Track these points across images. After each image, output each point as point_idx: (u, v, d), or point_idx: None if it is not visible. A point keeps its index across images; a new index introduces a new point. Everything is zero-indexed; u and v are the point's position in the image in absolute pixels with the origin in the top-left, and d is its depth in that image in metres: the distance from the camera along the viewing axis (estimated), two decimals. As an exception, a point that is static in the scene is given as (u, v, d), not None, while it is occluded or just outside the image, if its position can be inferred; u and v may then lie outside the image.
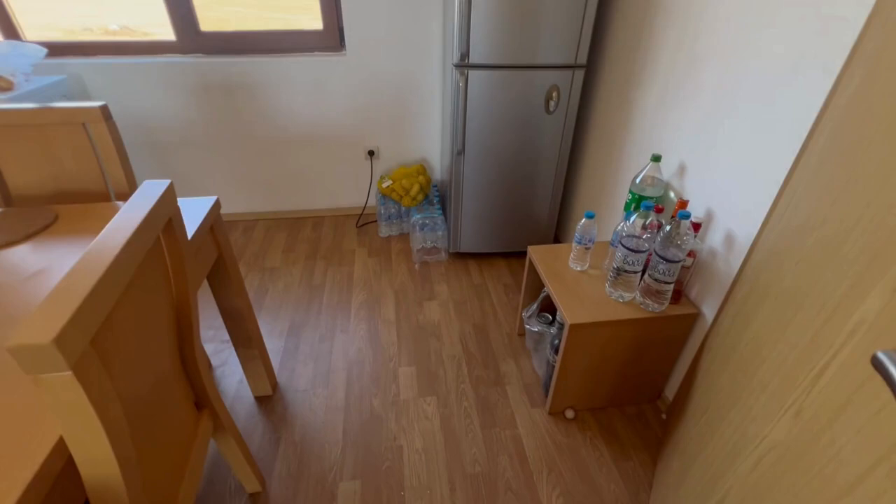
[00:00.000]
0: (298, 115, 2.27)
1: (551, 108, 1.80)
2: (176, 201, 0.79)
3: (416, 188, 2.24)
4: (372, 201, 2.57)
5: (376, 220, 2.45)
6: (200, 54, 2.12)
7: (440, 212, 2.22)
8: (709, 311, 1.26)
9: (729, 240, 1.18)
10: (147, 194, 0.72)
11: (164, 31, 2.09)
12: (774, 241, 0.83)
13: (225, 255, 1.20)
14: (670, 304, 1.29)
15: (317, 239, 2.37)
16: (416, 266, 2.16)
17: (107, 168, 1.24)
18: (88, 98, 2.09)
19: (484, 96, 1.77)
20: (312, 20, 2.16)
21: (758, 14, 1.04)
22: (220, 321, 1.83)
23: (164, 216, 0.74)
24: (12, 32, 1.99)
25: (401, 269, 2.15)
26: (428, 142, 2.43)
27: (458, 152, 1.88)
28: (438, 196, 2.36)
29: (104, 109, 1.18)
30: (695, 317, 1.29)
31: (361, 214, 2.57)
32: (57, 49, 2.01)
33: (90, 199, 1.27)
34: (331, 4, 2.09)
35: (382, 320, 1.84)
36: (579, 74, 1.74)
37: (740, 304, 0.93)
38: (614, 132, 1.72)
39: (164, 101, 2.14)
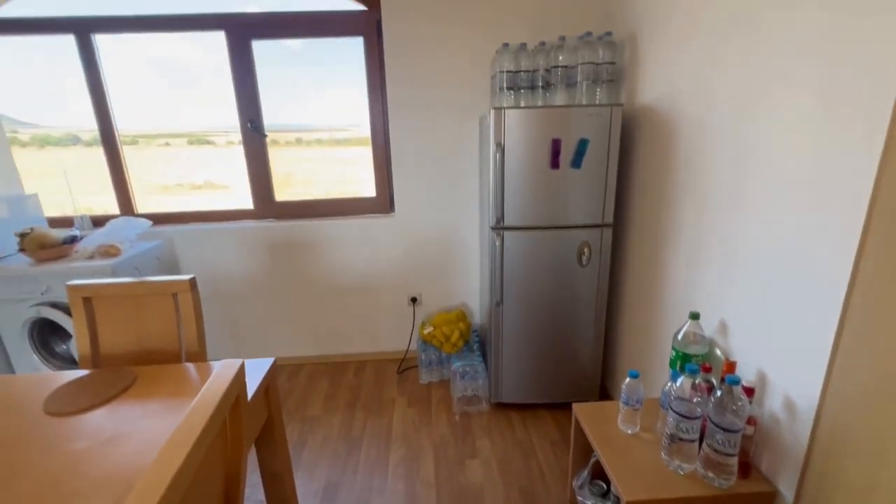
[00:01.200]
0: (349, 267, 2.50)
1: (584, 262, 1.91)
2: (244, 379, 0.87)
3: (456, 334, 2.29)
4: (413, 346, 2.62)
5: (417, 366, 2.47)
6: (272, 219, 2.48)
7: (481, 359, 2.23)
8: (786, 490, 1.13)
9: (789, 405, 1.11)
10: (222, 378, 0.81)
11: (239, 185, 2.49)
12: (837, 415, 0.79)
13: (275, 417, 1.24)
14: (738, 478, 1.17)
15: (358, 385, 2.39)
16: (457, 417, 2.10)
17: (183, 330, 1.39)
18: (177, 257, 2.42)
19: (519, 253, 1.91)
20: (367, 189, 2.54)
21: (784, 170, 1.15)
22: (256, 477, 1.79)
23: (234, 395, 0.81)
24: (128, 208, 2.44)
25: (441, 420, 2.09)
26: (467, 288, 2.57)
27: (498, 303, 1.97)
28: (479, 342, 2.40)
29: (192, 281, 1.38)
30: (771, 496, 1.15)
31: (403, 360, 2.61)
32: (158, 219, 2.42)
33: (164, 358, 1.39)
34: (384, 177, 2.47)
35: (421, 481, 1.74)
36: (607, 233, 1.89)
37: (816, 487, 0.84)
38: (650, 287, 1.78)
39: (236, 257, 2.45)
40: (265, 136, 2.38)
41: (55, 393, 1.14)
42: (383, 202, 2.51)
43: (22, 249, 1.99)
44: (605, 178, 1.82)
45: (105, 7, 2.21)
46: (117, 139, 2.35)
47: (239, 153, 2.42)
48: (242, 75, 2.28)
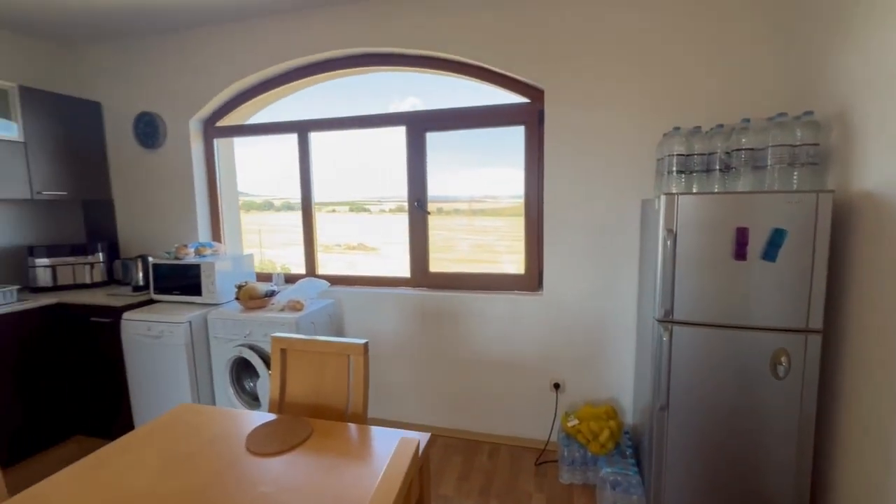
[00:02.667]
0: (491, 342, 2.50)
1: (781, 374, 1.58)
2: (418, 457, 0.89)
3: (605, 434, 2.06)
4: (554, 437, 2.43)
5: (557, 461, 2.26)
6: (426, 288, 2.65)
7: (635, 469, 1.94)
8: None
9: None
10: (403, 455, 0.84)
11: (385, 248, 2.78)
12: None
13: (425, 497, 1.23)
14: None
15: (492, 470, 2.27)
16: (604, 534, 1.82)
17: (352, 390, 1.51)
18: (342, 315, 2.73)
19: (692, 352, 1.68)
20: (515, 266, 2.57)
21: None
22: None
23: (412, 475, 0.83)
24: (312, 268, 2.88)
25: (585, 533, 1.83)
26: (619, 381, 2.33)
27: (662, 408, 1.72)
28: (632, 447, 2.10)
29: (365, 346, 1.52)
30: None
31: (543, 451, 2.42)
32: (332, 280, 2.78)
33: (332, 414, 1.52)
34: (534, 253, 2.48)
35: None
36: (814, 340, 1.55)
37: None
38: (888, 418, 1.37)
39: (390, 321, 2.65)
40: (428, 213, 2.63)
41: (255, 432, 1.32)
42: (532, 279, 2.50)
43: (237, 298, 2.46)
44: (809, 275, 1.53)
45: (318, 114, 2.80)
46: (313, 209, 2.85)
47: (389, 221, 2.79)
48: (415, 161, 2.61)
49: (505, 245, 2.73)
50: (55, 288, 2.76)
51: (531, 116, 2.41)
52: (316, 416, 1.51)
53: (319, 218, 2.91)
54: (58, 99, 2.78)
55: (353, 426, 1.38)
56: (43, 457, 2.48)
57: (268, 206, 3.33)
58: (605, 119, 2.21)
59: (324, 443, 1.28)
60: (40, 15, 2.58)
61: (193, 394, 2.37)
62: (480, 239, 2.76)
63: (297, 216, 2.90)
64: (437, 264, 2.68)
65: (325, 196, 2.93)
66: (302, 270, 2.91)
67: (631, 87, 2.16)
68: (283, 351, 1.59)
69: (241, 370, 2.45)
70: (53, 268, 2.76)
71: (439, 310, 2.57)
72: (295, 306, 2.39)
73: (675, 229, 1.66)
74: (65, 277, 2.80)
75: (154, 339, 2.35)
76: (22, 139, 2.60)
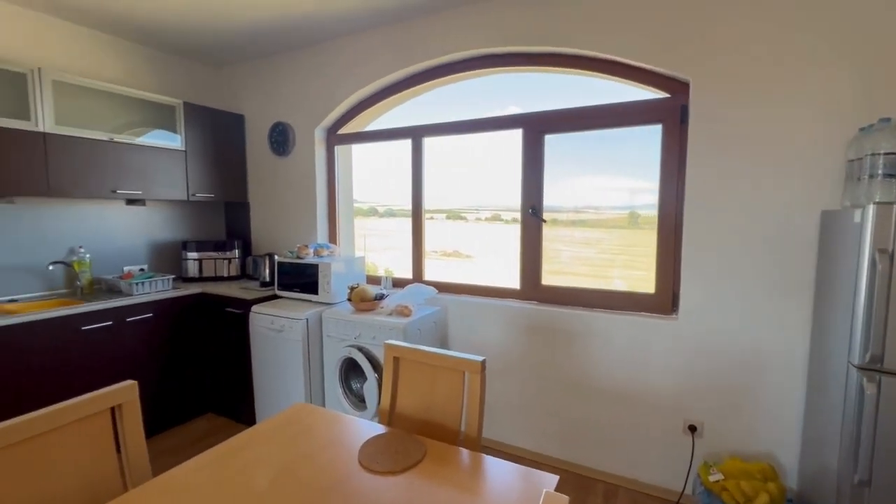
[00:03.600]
0: (613, 368, 2.21)
1: None
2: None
3: (763, 499, 1.66)
4: (689, 489, 2.06)
5: (692, 519, 1.90)
6: (536, 302, 2.46)
7: (809, 552, 1.53)
8: None
9: None
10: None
11: (480, 257, 2.66)
12: None
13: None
14: None
15: (609, 516, 1.99)
16: None
17: (466, 411, 1.39)
18: (447, 323, 2.65)
19: (912, 414, 1.26)
20: (643, 283, 2.25)
21: None
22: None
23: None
24: (419, 276, 2.85)
25: None
26: (777, 434, 1.89)
27: (862, 483, 1.32)
28: (799, 520, 1.68)
29: (483, 364, 1.39)
30: None
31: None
32: (438, 287, 2.72)
33: (443, 434, 1.41)
34: (668, 271, 2.15)
35: None
36: None
37: None
38: None
39: (497, 333, 2.50)
40: (543, 221, 2.44)
41: (367, 445, 1.26)
42: (664, 301, 2.17)
43: (349, 299, 2.51)
44: None
45: (432, 119, 2.78)
46: (423, 215, 2.83)
47: (484, 229, 2.75)
48: (531, 166, 2.44)
49: (610, 259, 2.46)
50: (200, 279, 3.11)
51: (671, 113, 2.10)
52: (426, 434, 1.41)
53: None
54: (211, 113, 3.14)
55: (467, 453, 1.25)
56: (179, 430, 2.78)
57: (372, 211, 3.42)
58: (771, 112, 1.82)
59: (437, 469, 1.17)
60: (200, 42, 2.94)
61: (306, 388, 2.46)
62: (579, 252, 2.52)
63: (396, 222, 2.96)
64: (545, 277, 2.48)
65: (426, 203, 2.92)
66: (401, 275, 2.92)
67: (814, 71, 1.75)
68: (396, 360, 1.53)
69: (349, 370, 2.49)
70: (200, 261, 3.12)
71: (552, 326, 2.35)
72: (403, 311, 2.37)
73: (892, 249, 1.26)
74: (208, 270, 3.14)
75: (276, 332, 2.50)
76: (183, 148, 2.98)
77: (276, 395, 2.57)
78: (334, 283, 2.60)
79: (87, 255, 2.71)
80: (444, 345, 2.65)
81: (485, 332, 2.55)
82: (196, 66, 3.37)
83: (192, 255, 3.12)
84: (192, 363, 2.86)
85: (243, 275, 3.28)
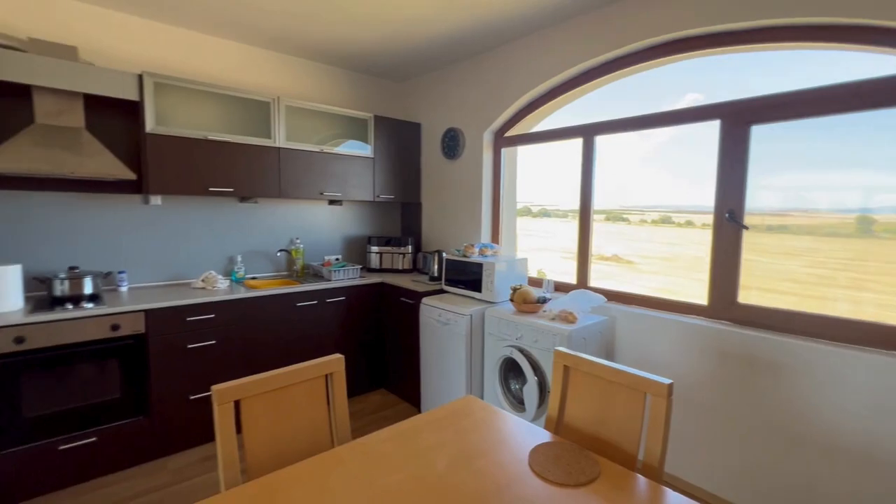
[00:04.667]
0: (836, 418, 1.75)
1: None
2: None
3: None
4: None
5: None
6: (729, 323, 2.10)
7: None
8: None
9: None
10: None
11: (644, 264, 2.36)
12: None
13: None
14: None
15: None
16: None
17: (646, 435, 1.26)
18: (614, 336, 2.47)
19: None
20: (885, 310, 1.72)
21: None
22: None
23: None
24: (584, 281, 2.72)
25: None
26: None
27: None
28: None
29: (670, 387, 1.24)
30: None
31: None
32: (606, 295, 2.55)
33: (619, 455, 1.31)
34: (942, 303, 1.59)
35: None
36: None
37: None
38: None
39: (675, 354, 2.22)
40: (745, 227, 2.06)
41: (538, 450, 1.25)
42: (931, 339, 1.62)
43: (511, 299, 2.54)
44: None
45: (605, 115, 2.60)
46: (591, 217, 2.68)
47: (650, 233, 2.46)
48: (731, 163, 2.09)
49: (827, 275, 1.93)
50: (380, 270, 3.53)
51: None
52: (597, 451, 1.33)
53: (573, 226, 2.75)
54: (394, 123, 3.54)
55: (645, 482, 1.14)
56: (359, 399, 3.20)
57: (526, 211, 3.38)
58: None
59: (613, 492, 1.08)
60: (387, 61, 3.32)
61: (467, 382, 2.58)
62: (780, 264, 2.03)
63: (551, 223, 2.86)
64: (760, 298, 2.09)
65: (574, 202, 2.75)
66: (554, 278, 2.82)
67: None
68: (567, 368, 1.47)
69: (508, 370, 2.52)
70: (381, 254, 3.55)
71: (750, 355, 1.98)
72: (567, 317, 2.29)
73: None
74: (386, 262, 3.55)
75: (442, 324, 2.68)
76: (372, 155, 3.42)
77: (440, 383, 2.76)
78: (497, 282, 2.65)
79: (301, 245, 3.33)
80: (609, 358, 2.47)
81: (660, 350, 2.29)
82: (383, 82, 3.83)
83: (375, 248, 3.56)
84: (372, 343, 3.27)
85: (415, 269, 3.61)
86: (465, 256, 2.88)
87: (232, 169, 2.76)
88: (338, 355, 1.40)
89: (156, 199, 2.75)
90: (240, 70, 3.07)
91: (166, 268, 2.85)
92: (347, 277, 3.17)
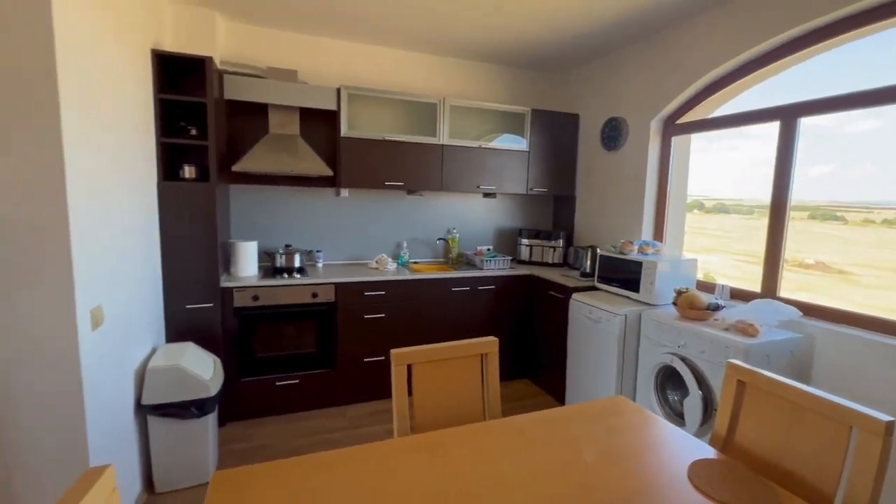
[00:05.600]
0: None
1: None
2: None
3: None
4: None
5: None
6: None
7: None
8: None
9: None
10: None
11: (868, 275, 1.83)
12: None
13: None
14: None
15: None
16: None
17: (849, 481, 1.05)
18: (812, 358, 2.06)
19: None
20: None
21: None
22: None
23: None
24: (772, 289, 2.31)
25: None
26: None
27: None
28: None
29: (889, 426, 1.01)
30: None
31: None
32: (802, 308, 2.13)
33: (805, 491, 1.12)
34: None
35: None
36: None
37: None
38: None
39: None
40: None
41: (699, 464, 1.16)
42: None
43: (674, 303, 2.32)
44: None
45: (811, 93, 2.15)
46: (787, 214, 2.26)
47: (876, 235, 1.89)
48: None
49: None
50: (529, 262, 3.58)
51: None
52: (778, 481, 1.16)
53: (760, 225, 2.32)
54: (551, 115, 3.51)
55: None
56: (502, 386, 3.32)
57: (697, 206, 2.99)
58: None
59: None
60: (547, 52, 3.29)
61: (617, 384, 2.47)
62: None
63: (728, 219, 2.49)
64: None
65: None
66: (727, 282, 2.44)
67: None
68: (742, 384, 1.31)
69: (666, 379, 2.32)
70: (531, 247, 3.59)
71: None
72: (746, 330, 1.99)
73: None
74: (536, 255, 3.58)
75: (593, 322, 2.61)
76: (527, 149, 3.47)
77: (587, 381, 2.70)
78: (658, 283, 2.45)
79: (457, 235, 3.59)
80: (802, 382, 2.06)
81: (875, 381, 1.83)
82: (541, 75, 3.82)
83: (525, 241, 3.62)
84: (518, 333, 3.35)
85: (564, 263, 3.55)
86: (621, 253, 2.72)
87: (402, 165, 3.13)
88: (492, 338, 1.51)
89: (344, 192, 3.29)
90: (411, 75, 3.43)
91: (349, 249, 3.40)
92: (498, 267, 3.30)
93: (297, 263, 2.97)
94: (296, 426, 2.69)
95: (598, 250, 2.95)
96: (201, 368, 2.13)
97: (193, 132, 2.53)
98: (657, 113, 2.89)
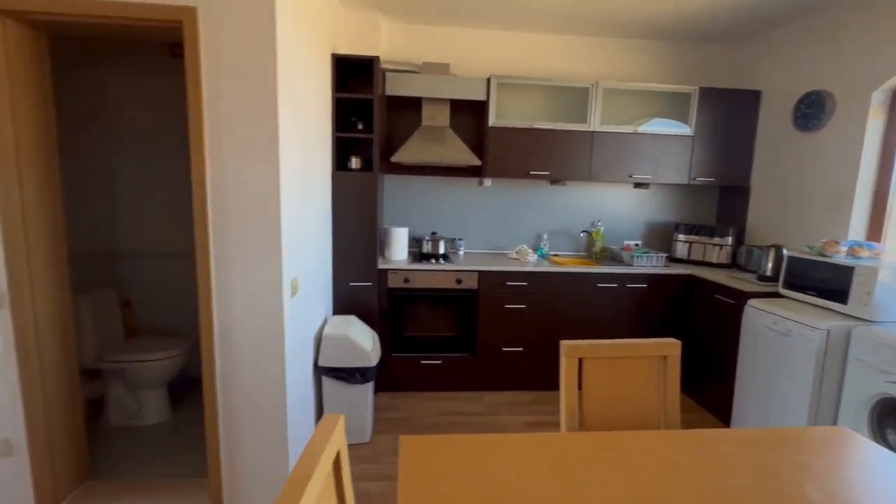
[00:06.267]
0: None
1: None
2: None
3: None
4: None
5: None
6: None
7: None
8: None
9: None
10: None
11: None
12: None
13: None
14: None
15: None
16: None
17: None
18: None
19: None
20: None
21: None
22: None
23: None
24: None
25: None
26: None
27: None
28: None
29: None
30: None
31: None
32: None
33: None
34: None
35: None
36: None
37: None
38: None
39: None
40: None
41: None
42: None
43: (904, 321, 1.84)
44: None
45: None
46: None
47: None
48: None
49: None
50: (686, 261, 3.19)
51: None
52: None
53: None
54: (723, 94, 3.05)
55: None
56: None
57: None
58: None
59: None
60: (722, 19, 2.84)
61: (810, 413, 2.05)
62: None
63: None
64: None
65: None
66: None
67: None
68: None
69: (886, 414, 1.86)
70: (689, 244, 3.20)
71: None
72: None
73: None
74: (696, 254, 3.18)
75: (779, 335, 2.21)
76: (691, 133, 3.08)
77: (763, 403, 2.30)
78: (878, 294, 1.96)
79: (602, 228, 3.37)
80: None
81: None
82: (711, 48, 3.34)
83: (682, 237, 3.24)
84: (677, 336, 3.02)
85: (733, 264, 3.09)
86: (822, 255, 2.25)
87: (549, 154, 3.03)
88: (674, 340, 1.36)
89: (487, 182, 3.32)
90: (561, 60, 3.29)
91: (488, 238, 3.43)
92: (651, 265, 3.01)
93: (441, 250, 3.09)
94: (435, 404, 2.83)
95: (785, 251, 2.48)
96: (364, 340, 2.36)
97: (360, 126, 2.79)
98: (880, 84, 2.30)
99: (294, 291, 1.87)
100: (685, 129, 3.07)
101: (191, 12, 1.55)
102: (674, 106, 3.08)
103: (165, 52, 2.74)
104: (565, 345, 1.31)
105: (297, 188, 1.93)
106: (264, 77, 1.61)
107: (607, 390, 1.32)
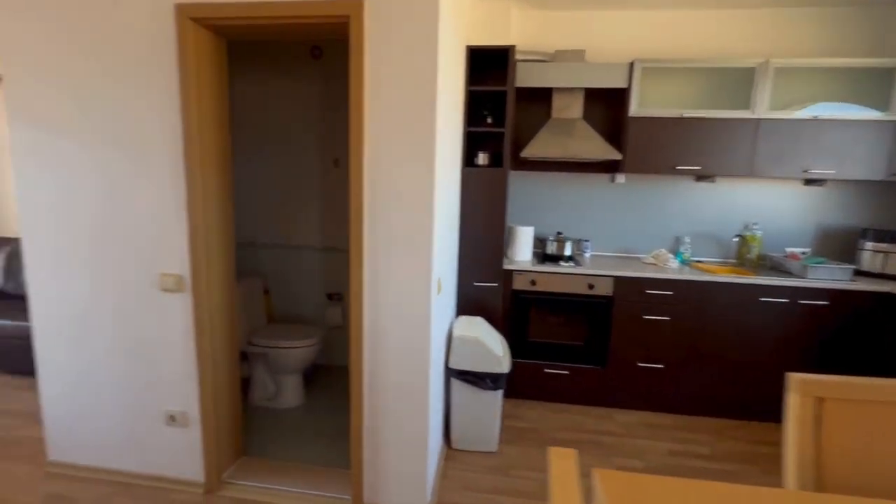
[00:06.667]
0: None
1: None
2: None
3: None
4: None
5: None
6: None
7: None
8: None
9: None
10: None
11: None
12: None
13: None
14: None
15: None
16: None
17: None
18: None
19: None
20: None
21: None
22: None
23: None
24: None
25: None
26: None
27: None
28: None
29: None
30: None
31: None
32: None
33: None
34: None
35: None
36: None
37: None
38: None
39: None
40: None
41: None
42: None
43: None
44: None
45: None
46: None
47: None
48: None
49: None
50: (880, 275, 2.60)
51: None
52: None
53: None
54: (949, 66, 2.41)
55: None
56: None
57: None
58: None
59: None
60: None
61: None
62: None
63: None
64: None
65: None
66: None
67: None
68: None
69: None
70: (884, 254, 2.59)
71: None
72: None
73: None
74: (891, 267, 2.57)
75: None
76: (892, 118, 2.49)
77: None
78: None
79: (759, 231, 2.89)
80: None
81: None
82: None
83: (870, 245, 2.64)
84: (867, 372, 2.48)
85: (952, 282, 2.45)
86: None
87: (702, 146, 2.65)
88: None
89: (620, 178, 3.02)
90: (718, 38, 2.86)
91: (618, 240, 3.12)
92: (832, 278, 2.49)
93: (567, 252, 2.88)
94: (562, 417, 2.63)
95: None
96: (494, 344, 2.24)
97: (489, 120, 2.67)
98: None
99: (439, 290, 1.81)
100: (881, 114, 2.49)
101: (357, 6, 1.54)
102: (865, 85, 2.52)
103: (307, 55, 2.88)
104: (798, 378, 1.04)
105: (444, 186, 1.87)
106: (425, 71, 1.55)
107: (865, 443, 1.03)
